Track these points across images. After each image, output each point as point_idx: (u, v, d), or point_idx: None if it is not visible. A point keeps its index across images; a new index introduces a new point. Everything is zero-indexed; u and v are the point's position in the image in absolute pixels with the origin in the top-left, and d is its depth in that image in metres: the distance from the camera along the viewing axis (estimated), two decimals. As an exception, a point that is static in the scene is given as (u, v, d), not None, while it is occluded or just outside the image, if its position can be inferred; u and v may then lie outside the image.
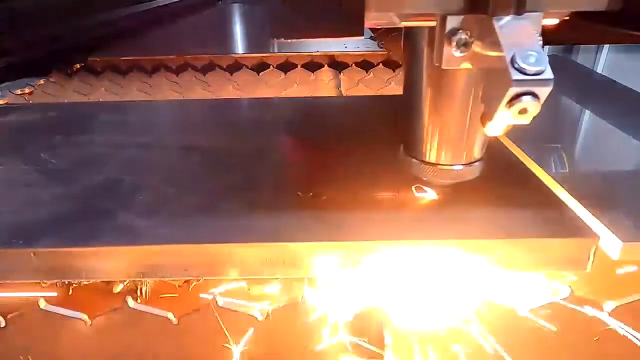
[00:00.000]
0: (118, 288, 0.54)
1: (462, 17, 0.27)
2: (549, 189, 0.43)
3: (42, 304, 0.34)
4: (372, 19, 0.29)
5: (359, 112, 0.65)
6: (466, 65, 0.29)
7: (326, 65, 0.90)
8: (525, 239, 0.36)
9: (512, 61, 0.24)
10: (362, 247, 0.36)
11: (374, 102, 0.71)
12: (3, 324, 0.35)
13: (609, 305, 0.35)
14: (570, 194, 0.41)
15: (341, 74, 0.86)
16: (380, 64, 0.88)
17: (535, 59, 0.24)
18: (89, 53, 1.01)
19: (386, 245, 0.36)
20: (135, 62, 0.95)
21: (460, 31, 0.28)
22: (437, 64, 0.30)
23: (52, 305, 0.35)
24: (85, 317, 0.35)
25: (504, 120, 0.25)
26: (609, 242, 0.36)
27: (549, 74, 0.24)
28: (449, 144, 0.36)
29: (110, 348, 0.36)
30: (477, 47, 0.28)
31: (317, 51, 0.97)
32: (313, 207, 0.40)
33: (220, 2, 1.97)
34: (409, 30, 0.33)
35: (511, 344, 0.36)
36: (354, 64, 0.89)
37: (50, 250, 0.36)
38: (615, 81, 0.79)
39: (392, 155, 0.49)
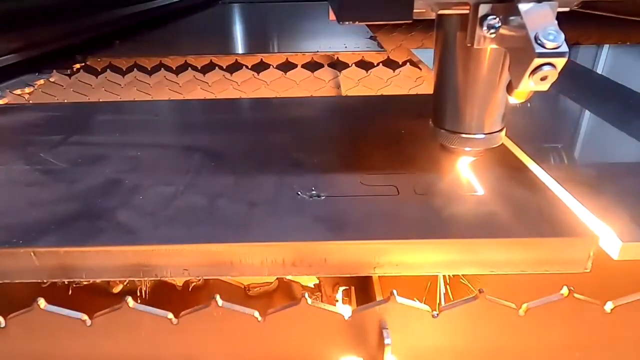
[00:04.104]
0: (118, 288, 0.54)
1: (492, 4, 0.33)
2: (549, 188, 0.43)
3: (42, 304, 0.34)
4: (417, 7, 0.35)
5: (359, 112, 0.65)
6: (493, 45, 0.35)
7: (326, 65, 0.89)
8: (525, 238, 0.36)
9: (536, 38, 0.29)
10: (363, 247, 0.36)
11: (375, 102, 0.71)
12: (3, 324, 0.35)
13: (609, 305, 0.35)
14: (570, 194, 0.41)
15: (341, 74, 0.86)
16: (380, 64, 0.88)
17: (554, 37, 0.29)
18: (89, 53, 1.01)
19: (386, 245, 0.36)
20: (135, 62, 0.95)
21: (491, 16, 0.33)
22: (469, 45, 0.35)
23: (52, 305, 0.35)
24: (85, 317, 0.35)
25: (527, 87, 0.31)
26: (609, 242, 0.36)
27: (564, 48, 0.29)
28: (474, 115, 0.40)
29: (110, 348, 0.36)
30: (504, 29, 0.33)
31: (317, 51, 0.97)
32: (313, 206, 0.40)
33: (220, 2, 1.97)
34: (441, 18, 0.39)
35: (511, 344, 0.36)
36: (354, 64, 0.89)
37: (50, 250, 0.36)
38: (614, 81, 0.79)
39: (395, 156, 0.50)
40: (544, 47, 0.29)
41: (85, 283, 0.52)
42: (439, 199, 0.41)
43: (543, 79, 0.30)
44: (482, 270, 0.37)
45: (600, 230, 0.37)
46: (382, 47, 1.00)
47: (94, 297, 0.52)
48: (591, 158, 0.54)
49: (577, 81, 0.82)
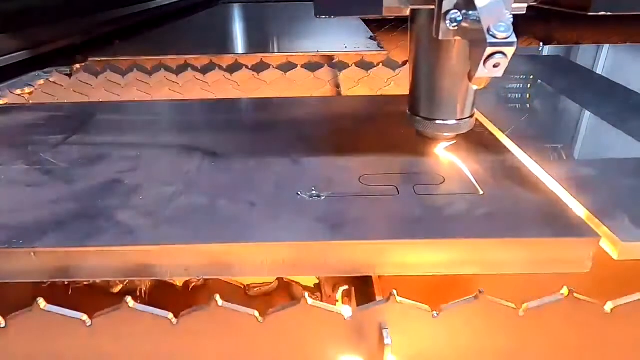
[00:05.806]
0: (118, 288, 0.54)
1: (454, 0, 0.37)
2: (549, 188, 0.43)
3: (42, 304, 0.34)
4: (387, 4, 0.39)
5: (359, 112, 0.65)
6: (456, 37, 0.39)
7: (326, 65, 0.89)
8: (525, 238, 0.36)
9: (488, 30, 0.33)
10: (363, 247, 0.36)
11: (374, 102, 0.71)
12: (3, 324, 0.35)
13: (609, 305, 0.35)
14: (571, 194, 0.41)
15: (341, 74, 0.86)
16: (380, 64, 0.88)
17: (504, 29, 0.33)
18: (89, 53, 1.01)
19: (386, 245, 0.36)
20: (135, 62, 0.95)
21: (453, 11, 0.37)
22: (435, 37, 0.39)
23: (52, 305, 0.35)
24: (85, 317, 0.35)
25: (483, 73, 0.34)
26: (609, 242, 0.36)
27: (513, 38, 0.33)
28: (444, 102, 0.45)
29: (110, 348, 0.36)
30: (464, 23, 0.37)
31: (317, 51, 0.97)
32: (313, 206, 0.40)
33: (220, 2, 1.97)
34: (413, 14, 0.42)
35: (511, 344, 0.36)
36: (353, 64, 0.89)
37: (50, 250, 0.36)
38: (614, 81, 0.79)
39: (395, 156, 0.50)
40: (495, 37, 0.32)
41: (85, 283, 0.52)
42: (439, 199, 0.41)
43: (496, 66, 0.33)
44: (482, 270, 0.37)
45: (600, 230, 0.37)
46: (382, 47, 1.00)
47: (94, 297, 0.52)
48: (591, 158, 0.54)
49: (577, 81, 0.82)
